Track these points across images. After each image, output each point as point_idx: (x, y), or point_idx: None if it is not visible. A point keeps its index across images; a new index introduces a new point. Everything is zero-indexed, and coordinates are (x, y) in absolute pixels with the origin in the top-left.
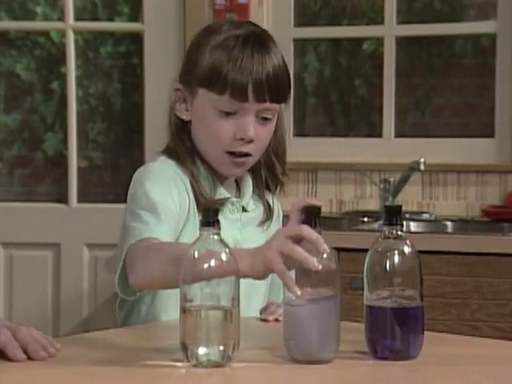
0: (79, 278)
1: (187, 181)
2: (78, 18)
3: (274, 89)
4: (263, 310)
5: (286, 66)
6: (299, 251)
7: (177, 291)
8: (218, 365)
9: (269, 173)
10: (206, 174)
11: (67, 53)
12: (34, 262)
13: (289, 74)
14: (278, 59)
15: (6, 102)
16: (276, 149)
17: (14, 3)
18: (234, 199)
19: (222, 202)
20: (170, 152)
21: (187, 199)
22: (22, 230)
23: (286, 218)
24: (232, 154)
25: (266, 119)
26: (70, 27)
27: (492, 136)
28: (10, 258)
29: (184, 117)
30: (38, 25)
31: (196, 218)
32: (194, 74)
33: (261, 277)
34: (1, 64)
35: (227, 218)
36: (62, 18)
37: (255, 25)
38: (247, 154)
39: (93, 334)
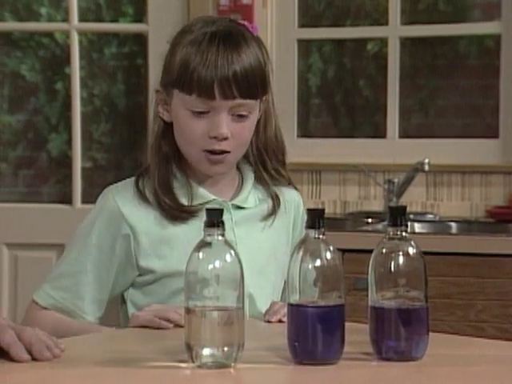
0: None
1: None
2: (82, 19)
3: (242, 85)
4: (267, 311)
5: (259, 61)
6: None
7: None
8: (222, 366)
9: (264, 170)
10: (183, 181)
11: (71, 54)
12: (38, 263)
13: (263, 70)
14: (248, 55)
15: (11, 103)
16: (266, 146)
17: (19, 4)
18: (220, 200)
19: (200, 207)
20: (144, 171)
21: (129, 237)
22: (27, 231)
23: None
24: (209, 152)
25: (241, 116)
26: (74, 28)
27: (496, 137)
28: (14, 258)
29: (165, 118)
30: (42, 26)
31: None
32: (169, 75)
33: None
34: (5, 65)
35: None
36: (66, 19)
37: (231, 21)
38: (225, 151)
39: (96, 334)
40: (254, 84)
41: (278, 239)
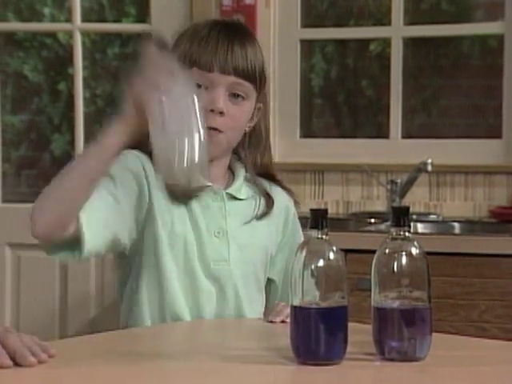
0: (86, 279)
1: (151, 172)
2: (85, 19)
3: (239, 64)
4: (270, 311)
5: (257, 51)
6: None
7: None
8: None
9: (254, 169)
10: None
11: (74, 54)
12: (41, 263)
13: (260, 60)
14: (249, 42)
15: (14, 103)
16: (257, 146)
17: (22, 4)
18: (215, 187)
19: (198, 190)
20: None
21: (146, 188)
22: (29, 231)
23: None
24: None
25: (238, 96)
26: (77, 28)
27: (499, 137)
28: (17, 259)
29: None
30: (45, 26)
31: (164, 203)
32: None
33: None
34: (8, 65)
35: (210, 206)
36: (69, 19)
37: (239, 23)
38: (218, 130)
39: (100, 334)
40: (251, 65)
41: (270, 236)
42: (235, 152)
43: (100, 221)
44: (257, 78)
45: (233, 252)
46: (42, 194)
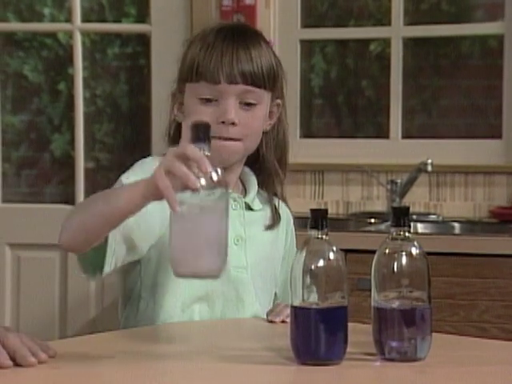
0: (86, 279)
1: None
2: (85, 20)
3: (246, 70)
4: (270, 311)
5: (266, 53)
6: (180, 168)
7: (175, 288)
8: None
9: (268, 177)
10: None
11: (74, 54)
12: (41, 263)
13: (270, 62)
14: (255, 45)
15: (14, 103)
16: (280, 154)
17: (22, 4)
18: (236, 195)
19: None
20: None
21: None
22: (29, 231)
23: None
24: (216, 138)
25: (250, 104)
26: (77, 28)
27: (499, 137)
28: (17, 259)
29: (180, 119)
30: (45, 26)
31: None
32: (181, 72)
33: (154, 196)
34: (8, 65)
35: (230, 213)
36: (69, 20)
37: (244, 25)
38: (233, 139)
39: (100, 334)
40: (259, 68)
41: (276, 248)
42: (251, 160)
43: (123, 236)
44: (266, 80)
45: (250, 261)
46: (74, 213)
